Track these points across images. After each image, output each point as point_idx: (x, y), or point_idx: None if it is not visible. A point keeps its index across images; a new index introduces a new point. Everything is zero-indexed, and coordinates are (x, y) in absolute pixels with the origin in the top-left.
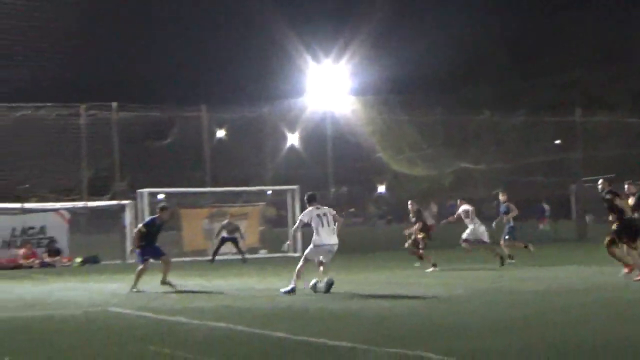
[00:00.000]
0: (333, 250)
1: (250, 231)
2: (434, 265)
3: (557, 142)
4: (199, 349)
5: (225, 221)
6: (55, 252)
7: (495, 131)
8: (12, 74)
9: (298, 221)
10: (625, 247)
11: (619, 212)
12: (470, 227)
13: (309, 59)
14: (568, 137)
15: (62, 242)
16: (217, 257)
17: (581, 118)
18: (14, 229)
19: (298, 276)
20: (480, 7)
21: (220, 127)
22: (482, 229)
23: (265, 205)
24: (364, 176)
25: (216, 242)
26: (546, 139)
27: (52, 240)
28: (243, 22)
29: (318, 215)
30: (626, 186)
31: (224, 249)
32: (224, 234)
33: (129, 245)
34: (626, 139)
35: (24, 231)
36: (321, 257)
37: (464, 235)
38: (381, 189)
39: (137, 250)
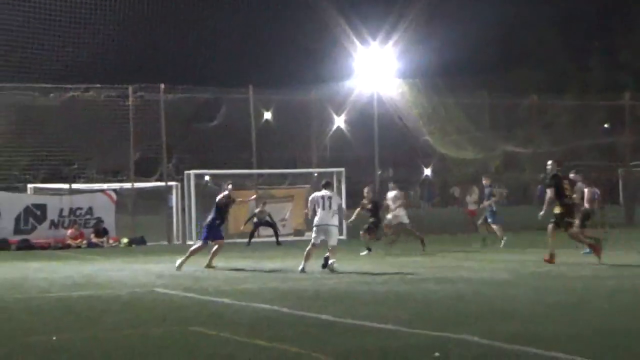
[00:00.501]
0: (330, 231)
1: (295, 213)
2: (369, 249)
3: (606, 125)
4: (244, 331)
5: (258, 209)
6: (102, 232)
7: (543, 114)
8: (61, 55)
9: (309, 203)
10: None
11: (562, 196)
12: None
13: (356, 41)
14: (617, 121)
15: (109, 222)
16: (263, 240)
17: (630, 101)
18: (61, 210)
19: (307, 258)
20: None
21: (267, 108)
22: (403, 212)
23: (310, 188)
24: (410, 159)
25: (248, 226)
26: (595, 122)
27: (99, 221)
28: (291, 4)
29: (322, 197)
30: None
31: (271, 230)
32: (255, 220)
33: (175, 227)
34: None
35: (72, 212)
36: (323, 237)
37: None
38: (427, 171)
39: (205, 228)
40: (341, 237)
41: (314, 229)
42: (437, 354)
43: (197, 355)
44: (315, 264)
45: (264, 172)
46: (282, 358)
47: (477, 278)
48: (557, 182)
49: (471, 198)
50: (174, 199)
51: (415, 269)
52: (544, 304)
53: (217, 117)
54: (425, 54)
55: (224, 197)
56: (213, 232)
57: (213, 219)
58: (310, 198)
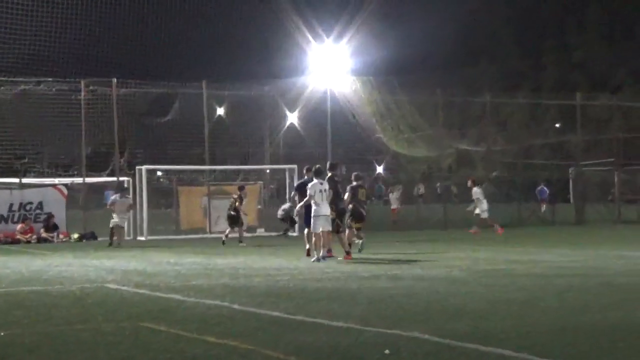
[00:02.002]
0: (329, 220)
1: (249, 210)
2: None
3: (558, 125)
4: (194, 327)
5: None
6: (52, 227)
7: (496, 113)
8: (12, 48)
9: (308, 195)
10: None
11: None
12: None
13: (310, 38)
14: (569, 120)
15: (60, 217)
16: (215, 236)
17: (582, 101)
18: (11, 204)
19: (317, 246)
20: None
21: (220, 104)
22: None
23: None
24: (363, 156)
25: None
26: (547, 121)
27: (49, 216)
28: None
29: (321, 191)
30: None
31: (223, 226)
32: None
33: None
34: (628, 123)
35: (22, 206)
36: (322, 227)
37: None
38: (380, 169)
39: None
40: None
41: (316, 219)
42: (387, 351)
43: (147, 351)
44: (263, 261)
45: (216, 168)
46: (232, 355)
47: (429, 275)
48: (333, 185)
49: (394, 195)
50: (109, 195)
51: (367, 267)
52: (494, 301)
53: (170, 112)
54: (379, 51)
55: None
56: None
57: None
58: (309, 191)
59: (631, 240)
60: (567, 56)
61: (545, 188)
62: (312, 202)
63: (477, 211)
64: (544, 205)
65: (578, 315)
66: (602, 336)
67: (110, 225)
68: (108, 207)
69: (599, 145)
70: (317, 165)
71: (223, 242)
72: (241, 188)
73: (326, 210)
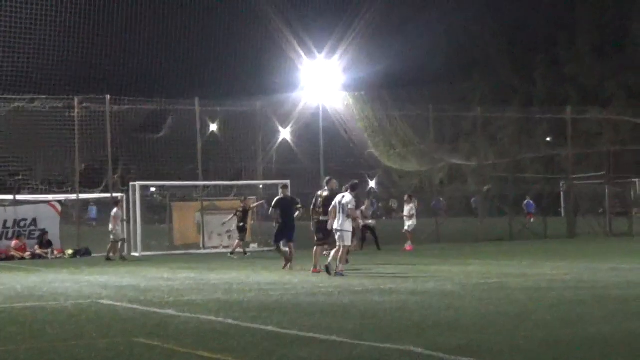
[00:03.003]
0: (344, 236)
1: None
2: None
3: (549, 139)
4: (189, 342)
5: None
6: (46, 244)
7: (487, 127)
8: (5, 65)
9: (332, 204)
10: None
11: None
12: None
13: (302, 53)
14: (560, 134)
15: (54, 233)
16: (208, 251)
17: (572, 115)
18: (5, 221)
19: (342, 260)
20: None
21: (213, 120)
22: None
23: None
24: (355, 171)
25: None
26: (538, 135)
27: (43, 232)
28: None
29: (340, 202)
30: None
31: (216, 242)
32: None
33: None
34: (618, 136)
35: (16, 223)
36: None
37: None
38: (372, 184)
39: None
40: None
41: (335, 232)
42: None
43: None
44: (256, 275)
45: (209, 184)
46: None
47: (422, 289)
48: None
49: (365, 211)
50: (94, 210)
51: (359, 280)
52: (487, 314)
53: (163, 128)
54: (371, 67)
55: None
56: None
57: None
58: (334, 201)
59: (623, 252)
60: (557, 70)
61: (531, 202)
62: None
63: (406, 226)
64: (531, 219)
65: (571, 328)
66: (595, 348)
67: (122, 237)
68: (112, 221)
69: (590, 159)
70: (354, 181)
71: (245, 253)
72: (243, 200)
73: (344, 224)
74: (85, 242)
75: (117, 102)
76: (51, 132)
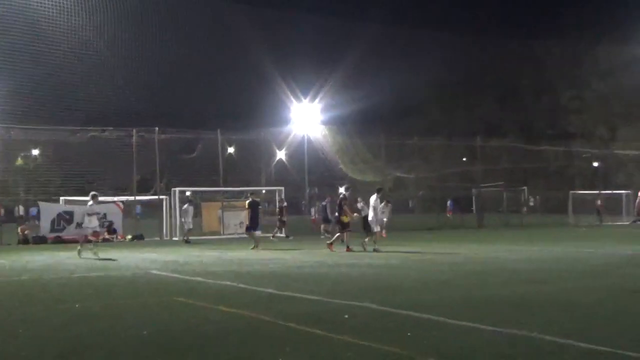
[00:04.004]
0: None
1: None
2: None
3: (464, 159)
4: (212, 300)
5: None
6: (112, 231)
7: (422, 151)
8: (85, 106)
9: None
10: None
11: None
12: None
13: (292, 99)
14: (472, 156)
15: (118, 224)
16: (226, 237)
17: (480, 143)
18: (84, 215)
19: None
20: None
21: (230, 145)
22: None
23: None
24: (330, 181)
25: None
26: (457, 156)
27: (111, 223)
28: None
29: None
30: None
31: (232, 230)
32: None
33: (165, 227)
34: (513, 158)
35: None
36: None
37: None
38: (342, 189)
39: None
40: (281, 235)
41: (372, 222)
42: (346, 316)
43: (180, 317)
44: (260, 254)
45: (227, 189)
46: (239, 319)
47: (376, 264)
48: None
49: (315, 209)
50: (139, 208)
51: (332, 258)
52: (421, 281)
53: (195, 150)
54: (341, 108)
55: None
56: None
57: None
58: (374, 204)
59: (516, 238)
60: (470, 111)
61: (451, 202)
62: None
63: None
64: (450, 215)
65: (479, 290)
66: (495, 305)
67: (190, 227)
68: (183, 214)
69: (493, 173)
70: (379, 186)
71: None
72: (281, 201)
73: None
74: (140, 230)
75: (162, 132)
76: (116, 153)
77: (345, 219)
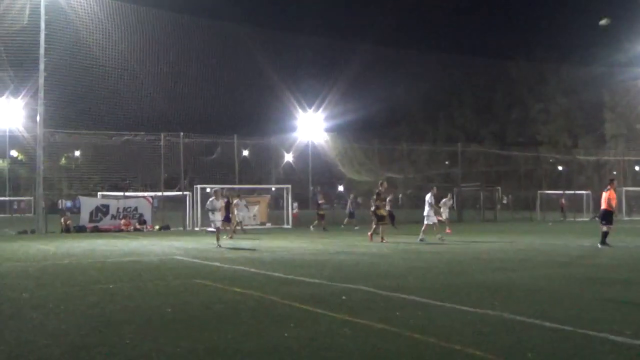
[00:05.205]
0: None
1: (261, 212)
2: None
3: (447, 162)
4: (227, 282)
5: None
6: (143, 222)
7: (410, 155)
8: (120, 111)
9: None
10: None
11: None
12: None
13: (299, 109)
14: (453, 160)
15: (147, 216)
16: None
17: (461, 148)
18: (118, 208)
19: (425, 232)
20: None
21: (245, 149)
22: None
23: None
24: (331, 180)
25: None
26: (441, 160)
27: (141, 215)
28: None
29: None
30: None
31: (246, 221)
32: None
33: (187, 219)
34: (488, 162)
35: (125, 209)
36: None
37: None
38: (340, 188)
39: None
40: (287, 226)
41: (430, 217)
42: (343, 297)
43: (199, 297)
44: (269, 243)
45: (242, 187)
46: (249, 299)
47: (369, 252)
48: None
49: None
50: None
51: (333, 247)
52: (408, 267)
53: (215, 153)
54: (341, 117)
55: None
56: None
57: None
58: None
59: (490, 231)
60: (452, 121)
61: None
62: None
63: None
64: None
65: (458, 276)
66: (472, 289)
67: (240, 220)
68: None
69: (471, 175)
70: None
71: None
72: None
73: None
74: (167, 221)
75: (187, 137)
76: (147, 154)
77: (381, 212)
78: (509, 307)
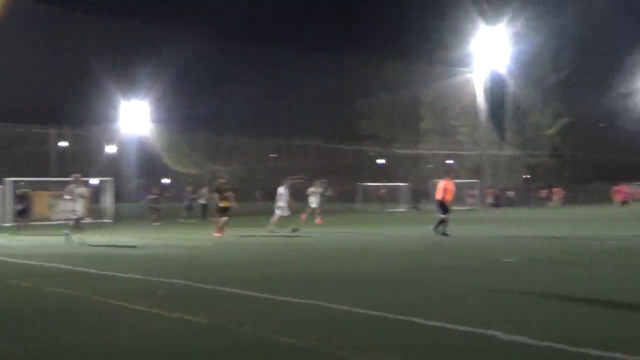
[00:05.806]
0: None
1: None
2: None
3: (274, 155)
4: (39, 280)
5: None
6: None
7: (238, 148)
8: None
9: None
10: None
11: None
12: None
13: (123, 98)
14: (279, 152)
15: None
16: None
17: (286, 141)
18: None
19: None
20: (233, 74)
21: (63, 139)
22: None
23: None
24: (156, 172)
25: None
26: (266, 153)
27: None
28: (84, 77)
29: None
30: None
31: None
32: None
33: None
34: (314, 155)
35: None
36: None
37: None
38: (166, 180)
39: None
40: (108, 220)
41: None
42: (160, 292)
43: (8, 297)
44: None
45: (57, 180)
46: (64, 298)
47: (187, 245)
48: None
49: (202, 194)
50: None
51: (144, 240)
52: (229, 261)
53: (27, 143)
54: (169, 109)
55: None
56: None
57: None
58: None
59: (315, 223)
60: (277, 114)
61: (261, 192)
62: None
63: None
64: (261, 203)
65: (281, 268)
66: (292, 280)
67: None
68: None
69: (297, 168)
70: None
71: None
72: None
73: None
74: None
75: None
76: None
77: (223, 205)
78: (332, 296)
